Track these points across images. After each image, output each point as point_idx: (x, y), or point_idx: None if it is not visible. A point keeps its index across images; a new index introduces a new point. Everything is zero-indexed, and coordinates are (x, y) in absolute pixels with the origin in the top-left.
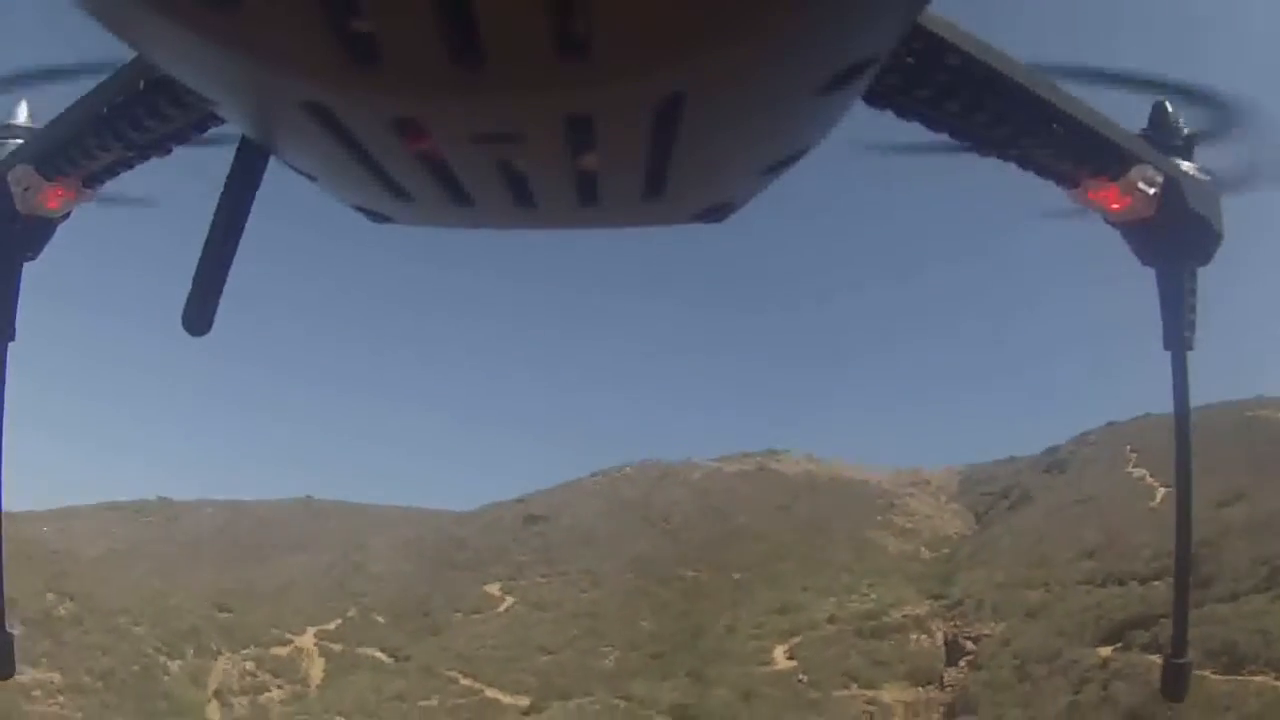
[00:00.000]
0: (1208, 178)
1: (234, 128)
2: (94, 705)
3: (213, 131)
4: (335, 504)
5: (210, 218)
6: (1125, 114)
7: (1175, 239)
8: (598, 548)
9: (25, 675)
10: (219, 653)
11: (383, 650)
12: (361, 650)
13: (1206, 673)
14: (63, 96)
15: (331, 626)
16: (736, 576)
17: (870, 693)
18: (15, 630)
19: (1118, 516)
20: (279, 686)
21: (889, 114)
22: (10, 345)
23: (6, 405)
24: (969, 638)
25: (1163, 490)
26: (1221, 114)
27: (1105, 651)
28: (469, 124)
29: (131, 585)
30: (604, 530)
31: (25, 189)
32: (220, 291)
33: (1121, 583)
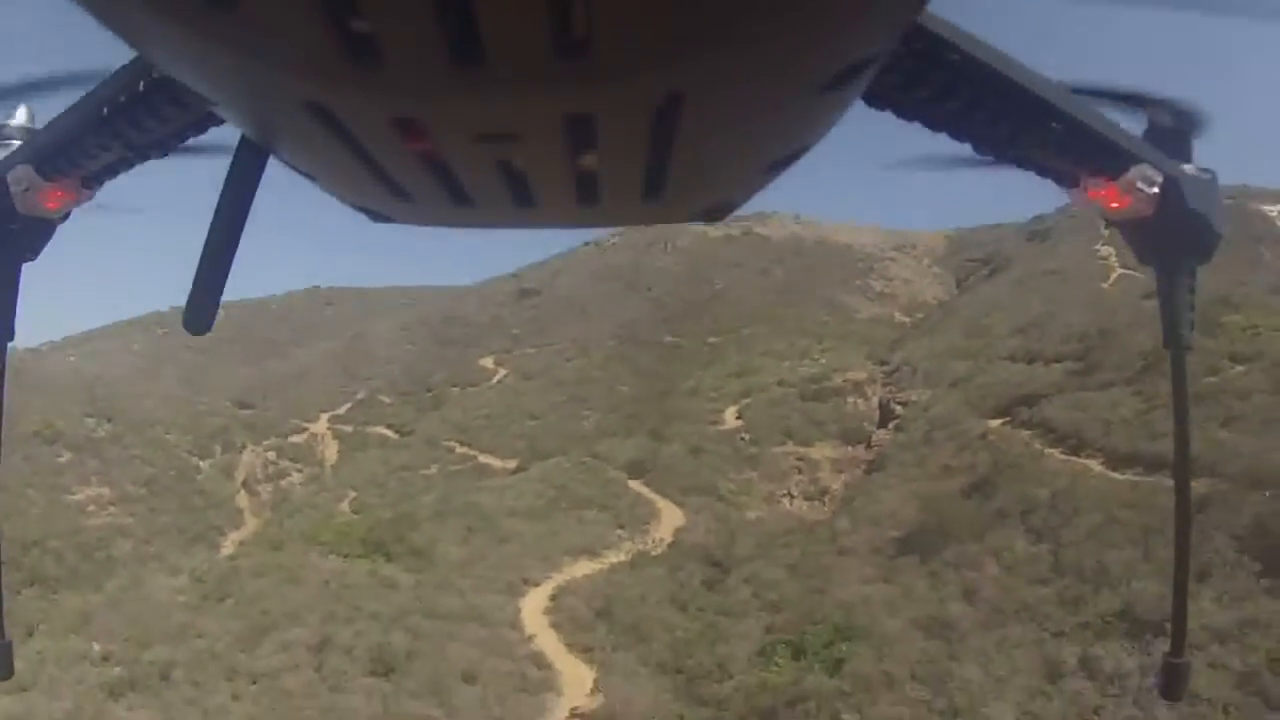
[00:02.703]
0: (1209, 176)
1: (234, 128)
2: (142, 510)
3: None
4: (341, 290)
5: (210, 218)
6: (1125, 113)
7: (1175, 238)
8: (586, 316)
9: (80, 494)
10: (243, 447)
11: (389, 427)
12: (370, 429)
13: (1051, 450)
14: (62, 98)
15: (342, 410)
16: (711, 340)
17: (803, 449)
18: (10, 638)
19: (1065, 292)
20: (298, 470)
21: (888, 114)
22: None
23: (6, 405)
24: (900, 402)
25: (1118, 272)
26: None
27: (994, 423)
28: (469, 124)
29: (160, 397)
30: (592, 299)
31: (24, 189)
32: (221, 291)
33: (1031, 361)
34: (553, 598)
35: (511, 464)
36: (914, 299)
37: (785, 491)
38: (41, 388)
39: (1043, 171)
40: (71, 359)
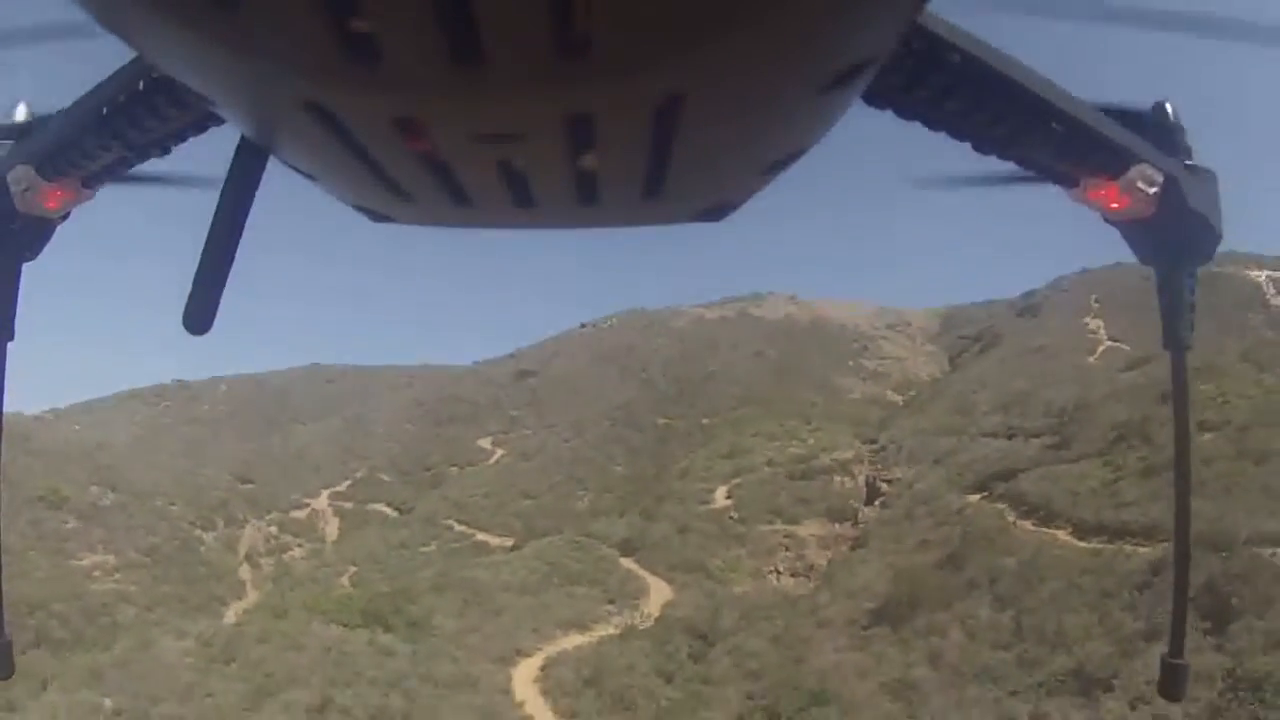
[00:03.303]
0: (1209, 177)
1: (234, 128)
2: (146, 579)
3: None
4: (341, 368)
5: (210, 218)
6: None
7: (1175, 238)
8: (582, 398)
9: (85, 560)
10: (245, 521)
11: (388, 505)
12: (370, 506)
13: (1023, 522)
14: (62, 98)
15: (343, 487)
16: (705, 421)
17: (790, 527)
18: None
19: (1050, 368)
20: (299, 545)
21: (889, 113)
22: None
23: (6, 404)
24: (885, 480)
25: (1105, 344)
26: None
27: (972, 498)
28: (469, 124)
29: (163, 468)
30: (588, 381)
31: (24, 189)
32: (221, 291)
33: (1010, 437)
34: (543, 667)
35: (508, 542)
36: (906, 377)
37: (772, 568)
38: (47, 454)
39: (1043, 171)
40: (76, 428)
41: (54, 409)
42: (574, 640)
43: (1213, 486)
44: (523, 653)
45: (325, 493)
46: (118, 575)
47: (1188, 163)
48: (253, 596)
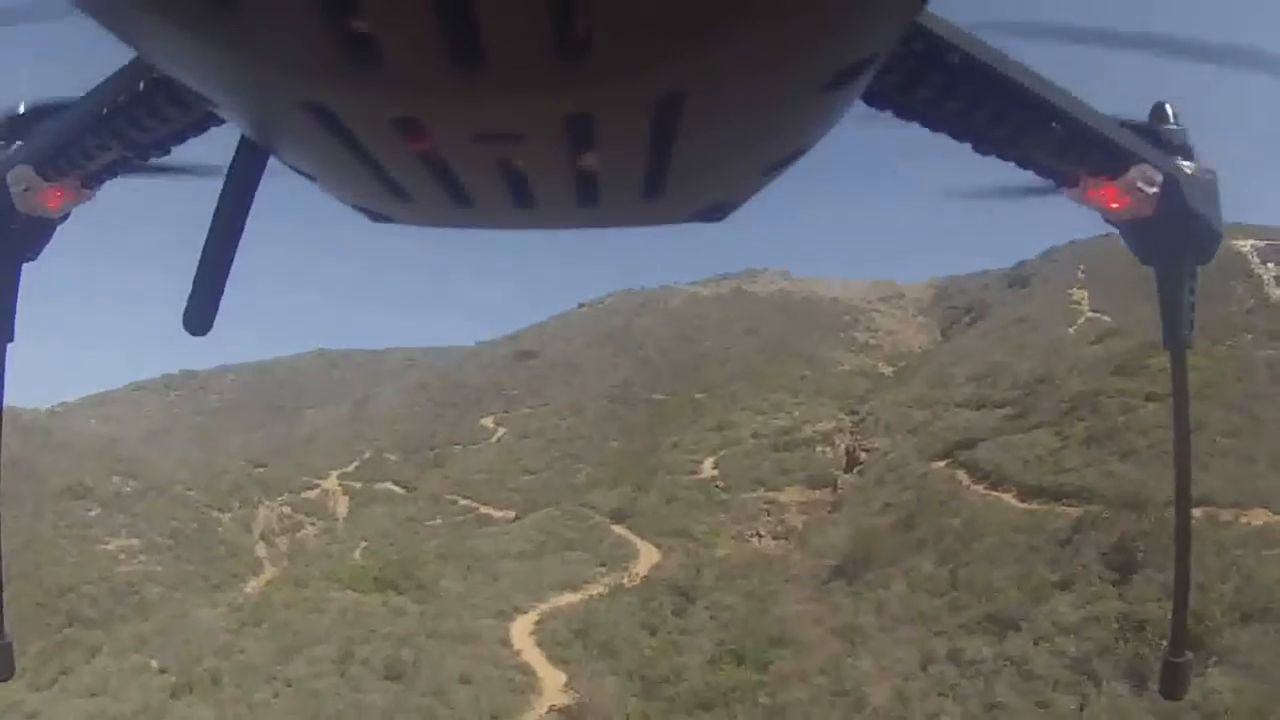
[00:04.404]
0: (1209, 176)
1: (234, 128)
2: (169, 560)
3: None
4: (346, 353)
5: (210, 218)
6: (1125, 114)
7: (1175, 238)
8: (580, 377)
9: (111, 545)
10: (260, 502)
11: (395, 483)
12: (378, 485)
13: (976, 487)
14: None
15: (351, 468)
16: (697, 397)
17: (772, 494)
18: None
19: (1029, 339)
20: (312, 523)
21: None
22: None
23: (6, 404)
24: (865, 449)
25: (1085, 316)
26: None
27: (936, 465)
28: (469, 124)
29: (177, 456)
30: (586, 360)
31: (24, 189)
32: (221, 291)
33: (980, 408)
34: (538, 622)
35: (510, 515)
36: (898, 349)
37: (754, 532)
38: (67, 447)
39: (1043, 171)
40: (91, 421)
41: (63, 403)
42: (566, 599)
43: (1144, 454)
44: (519, 610)
45: (334, 474)
46: (142, 557)
47: (1188, 162)
48: (269, 572)
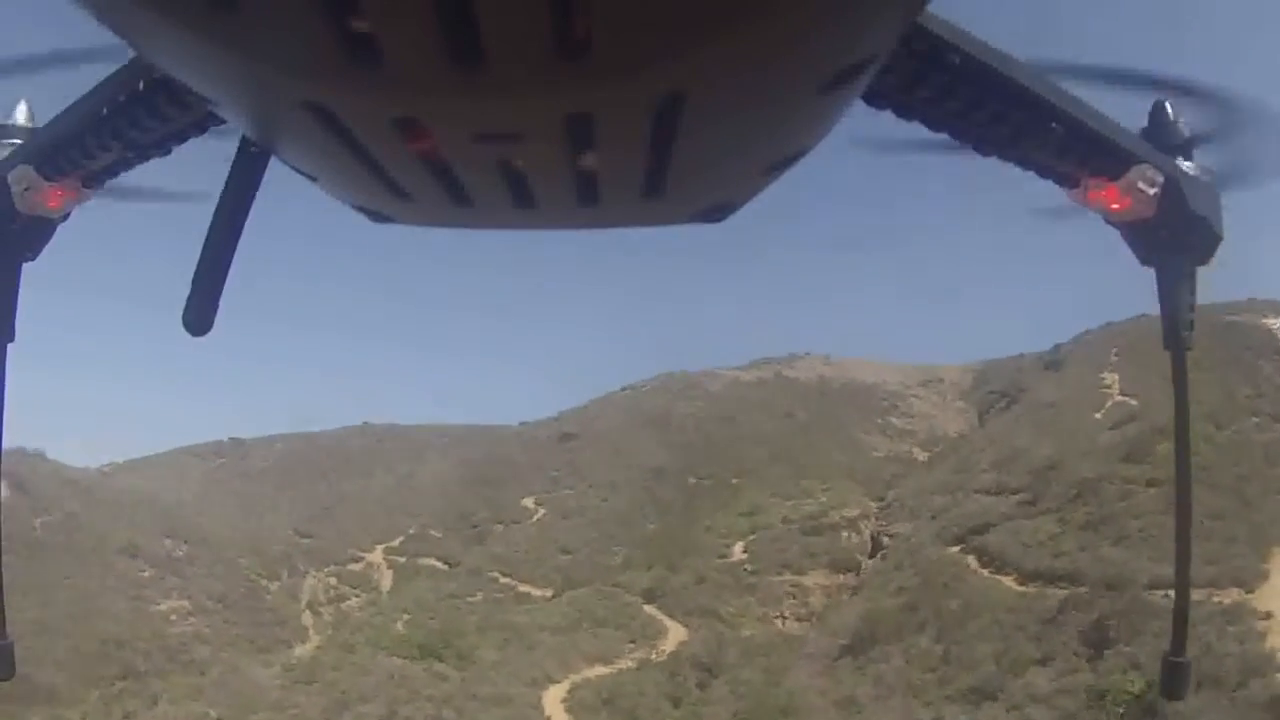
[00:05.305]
0: (1208, 178)
1: (234, 128)
2: (217, 623)
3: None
4: (389, 427)
5: (210, 218)
6: (1125, 114)
7: (1175, 239)
8: (619, 458)
9: (163, 605)
10: (306, 572)
11: (438, 559)
12: (421, 560)
13: (982, 570)
14: (62, 96)
15: (396, 543)
16: (734, 481)
17: (797, 578)
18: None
19: (1054, 424)
20: (356, 595)
21: (888, 113)
22: (10, 346)
23: (6, 405)
24: (888, 534)
25: (1114, 399)
26: (1222, 111)
27: (951, 551)
28: (469, 124)
29: (225, 522)
30: (626, 442)
31: (25, 189)
32: (220, 292)
33: (997, 493)
34: (569, 690)
35: (548, 593)
36: (933, 434)
37: (779, 614)
38: (116, 506)
39: (1043, 172)
40: (139, 483)
41: (112, 463)
42: (597, 671)
43: (1133, 539)
44: (552, 679)
45: (379, 547)
46: (192, 619)
47: (1188, 163)
48: (315, 640)
